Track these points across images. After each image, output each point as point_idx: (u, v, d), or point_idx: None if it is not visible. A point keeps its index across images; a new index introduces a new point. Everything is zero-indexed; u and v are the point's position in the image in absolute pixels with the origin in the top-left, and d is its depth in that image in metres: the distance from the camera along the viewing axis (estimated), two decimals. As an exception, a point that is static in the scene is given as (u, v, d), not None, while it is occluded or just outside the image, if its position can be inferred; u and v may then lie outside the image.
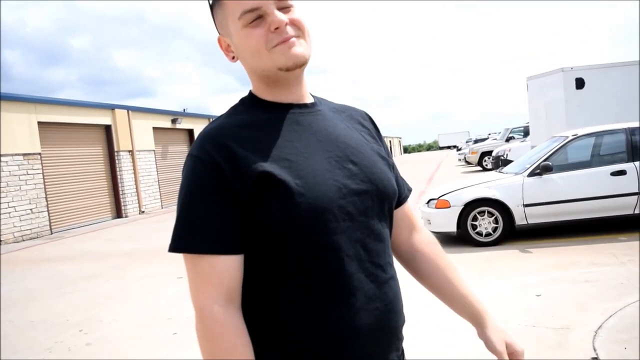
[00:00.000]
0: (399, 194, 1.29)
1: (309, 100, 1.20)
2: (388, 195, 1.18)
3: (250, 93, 1.19)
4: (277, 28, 1.06)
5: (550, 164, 7.03)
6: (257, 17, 1.07)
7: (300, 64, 1.10)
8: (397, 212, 1.30)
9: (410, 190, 1.40)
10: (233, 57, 1.16)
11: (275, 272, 1.07)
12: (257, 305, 1.08)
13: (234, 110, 1.17)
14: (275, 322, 1.07)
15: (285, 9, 1.09)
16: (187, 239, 1.04)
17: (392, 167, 1.27)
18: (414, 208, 10.80)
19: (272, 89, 1.15)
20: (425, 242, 1.36)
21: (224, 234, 1.03)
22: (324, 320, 1.05)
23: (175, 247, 1.05)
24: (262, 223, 1.04)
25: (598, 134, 7.45)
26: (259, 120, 1.12)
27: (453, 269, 1.33)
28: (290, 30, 1.08)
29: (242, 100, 1.19)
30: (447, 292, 1.31)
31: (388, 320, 1.13)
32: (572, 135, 7.48)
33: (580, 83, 12.62)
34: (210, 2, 1.14)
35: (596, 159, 7.36)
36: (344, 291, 1.06)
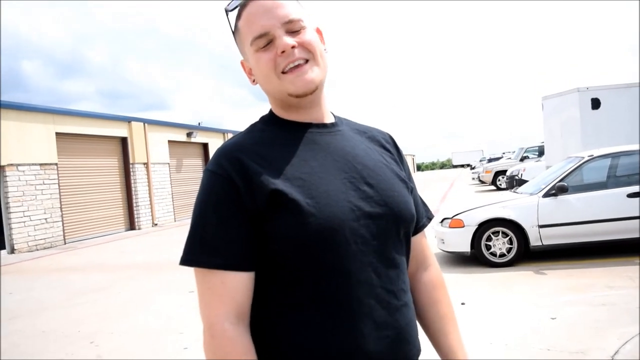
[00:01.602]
0: (417, 220, 1.25)
1: (329, 120, 1.20)
2: (405, 220, 1.15)
3: (271, 111, 1.19)
4: (283, 52, 1.07)
5: (566, 184, 6.96)
6: (268, 42, 1.08)
7: (311, 91, 1.10)
8: (413, 240, 1.24)
9: (430, 218, 1.35)
10: (254, 81, 1.18)
11: (282, 292, 1.05)
12: (262, 324, 1.07)
13: (253, 127, 1.17)
14: (279, 343, 1.05)
15: (295, 32, 1.09)
16: (198, 253, 1.04)
17: (411, 190, 1.24)
18: (428, 227, 10.68)
19: (288, 110, 1.15)
20: (432, 284, 1.30)
21: (235, 250, 1.02)
22: (330, 345, 1.03)
23: (186, 260, 1.05)
24: (271, 241, 1.03)
25: (614, 155, 7.38)
26: (276, 139, 1.12)
27: (451, 321, 1.28)
28: (297, 53, 1.08)
29: (262, 118, 1.20)
30: (437, 340, 1.26)
31: (399, 349, 1.10)
32: (588, 156, 7.42)
33: (596, 103, 12.55)
34: (232, 29, 1.17)
35: (612, 181, 7.27)
36: (352, 316, 1.04)
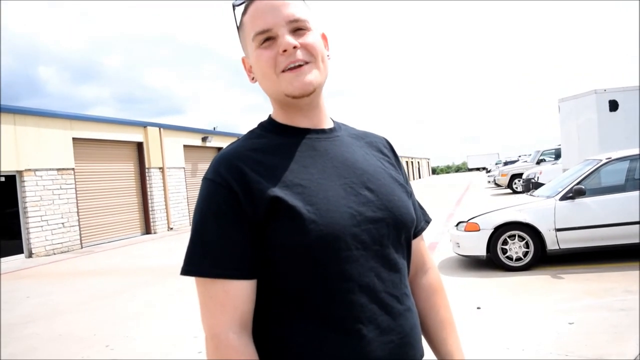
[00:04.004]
0: (416, 224, 1.24)
1: (328, 125, 1.19)
2: (405, 224, 1.14)
3: (269, 117, 1.19)
4: (285, 51, 1.05)
5: (584, 187, 6.87)
6: (269, 39, 1.07)
7: (308, 93, 1.09)
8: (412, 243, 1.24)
9: (428, 221, 1.35)
10: (253, 78, 1.16)
11: (284, 299, 1.04)
12: (265, 332, 1.06)
13: (251, 134, 1.16)
14: (282, 351, 1.04)
15: (299, 30, 1.08)
16: (200, 263, 1.02)
17: (410, 194, 1.24)
18: (442, 231, 10.73)
19: (287, 113, 1.14)
20: (431, 288, 1.30)
21: (237, 259, 1.01)
22: (334, 352, 1.02)
23: (188, 270, 1.04)
24: (272, 249, 1.02)
25: (633, 158, 7.27)
26: (275, 145, 1.11)
27: (449, 325, 1.28)
28: (300, 54, 1.07)
29: (261, 124, 1.19)
30: (437, 345, 1.26)
31: (403, 354, 1.09)
32: (606, 159, 7.32)
33: (613, 105, 12.39)
34: (237, 24, 1.16)
35: (631, 183, 7.16)
36: (356, 322, 1.03)
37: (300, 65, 1.07)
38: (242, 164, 1.05)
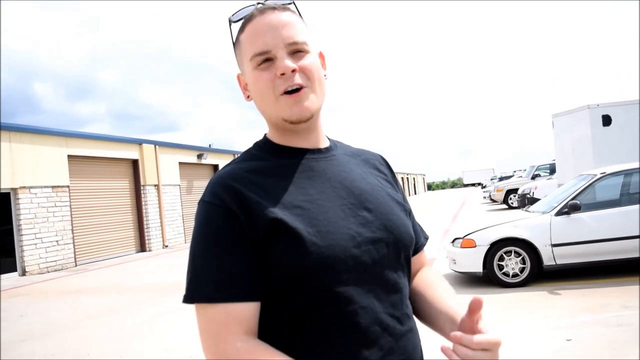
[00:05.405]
0: (416, 242, 1.23)
1: (325, 144, 1.18)
2: (404, 244, 1.13)
3: (265, 137, 1.18)
4: (282, 74, 1.05)
5: (579, 202, 6.88)
6: (267, 60, 1.06)
7: (306, 119, 1.08)
8: (412, 260, 1.22)
9: (427, 238, 1.33)
10: (248, 97, 1.15)
11: (285, 322, 1.02)
12: None
13: (246, 155, 1.15)
14: None
15: (297, 53, 1.07)
16: (203, 288, 0.99)
17: (409, 213, 1.23)
18: (439, 247, 10.71)
19: (284, 135, 1.13)
20: (420, 276, 1.26)
21: (241, 282, 0.99)
22: None
23: (192, 297, 1.00)
24: (272, 270, 1.00)
25: (627, 172, 7.29)
26: (272, 166, 1.10)
27: (436, 286, 1.21)
28: (298, 78, 1.06)
29: (256, 144, 1.18)
30: (426, 312, 1.17)
31: None
32: (600, 174, 7.35)
33: (607, 120, 12.47)
34: (234, 40, 1.15)
35: (626, 198, 7.18)
36: (358, 344, 1.01)
37: (298, 90, 1.06)
38: (240, 185, 1.03)
